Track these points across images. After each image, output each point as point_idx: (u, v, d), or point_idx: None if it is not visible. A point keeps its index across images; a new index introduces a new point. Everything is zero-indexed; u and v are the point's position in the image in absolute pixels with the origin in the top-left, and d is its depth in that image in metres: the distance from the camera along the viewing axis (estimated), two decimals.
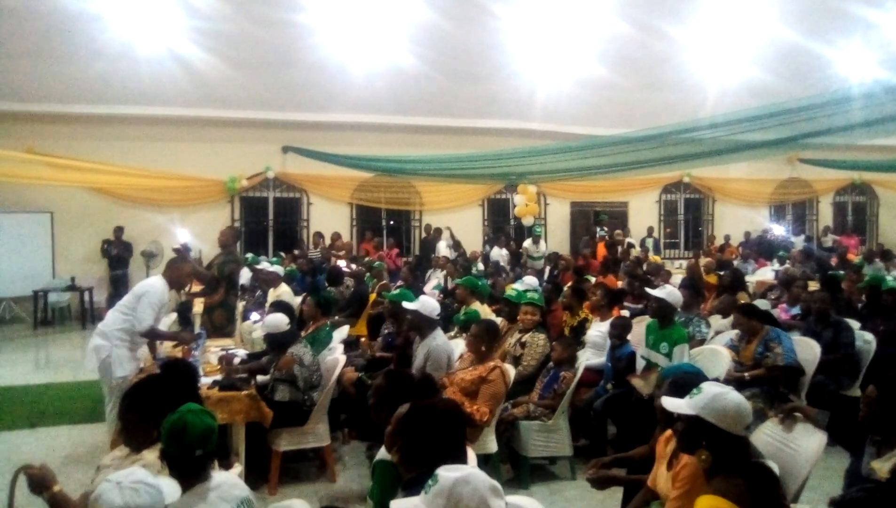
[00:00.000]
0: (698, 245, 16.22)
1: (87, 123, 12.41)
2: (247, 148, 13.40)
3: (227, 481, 2.46)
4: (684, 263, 12.59)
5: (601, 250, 12.61)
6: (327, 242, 13.00)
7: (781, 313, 6.59)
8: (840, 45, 12.24)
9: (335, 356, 5.48)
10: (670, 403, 2.60)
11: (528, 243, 13.41)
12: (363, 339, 7.48)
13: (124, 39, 10.74)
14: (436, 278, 10.47)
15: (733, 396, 2.46)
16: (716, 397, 2.44)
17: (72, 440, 5.96)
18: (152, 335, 5.34)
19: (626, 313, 6.50)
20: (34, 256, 12.26)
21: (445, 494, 1.74)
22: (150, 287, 5.27)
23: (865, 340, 5.69)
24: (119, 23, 10.43)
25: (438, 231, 13.81)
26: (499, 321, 6.23)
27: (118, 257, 12.45)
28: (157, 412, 2.65)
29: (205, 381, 4.84)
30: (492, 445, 4.59)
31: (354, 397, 5.55)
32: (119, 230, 12.56)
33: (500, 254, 12.38)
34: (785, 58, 12.34)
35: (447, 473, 1.79)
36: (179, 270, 5.54)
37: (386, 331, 6.45)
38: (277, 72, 12.24)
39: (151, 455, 2.69)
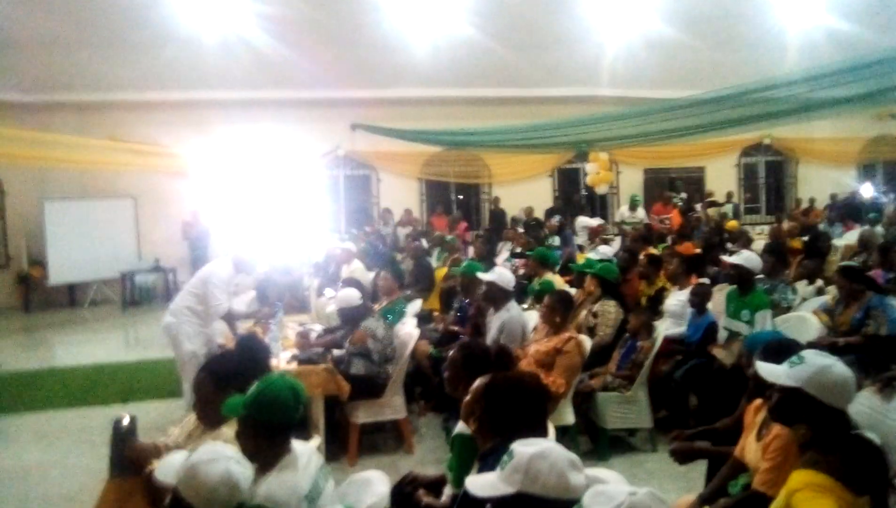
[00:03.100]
0: (781, 209, 15.52)
1: (161, 110, 12.76)
2: (316, 127, 13.54)
3: (306, 451, 2.48)
4: (766, 228, 12.06)
5: (677, 218, 12.21)
6: (397, 218, 13.08)
7: (877, 278, 6.21)
8: None
9: (408, 329, 5.50)
10: (769, 371, 2.44)
11: (623, 210, 13.15)
12: (436, 313, 7.51)
13: (191, 25, 10.97)
14: (507, 251, 10.39)
15: (840, 369, 2.28)
16: (822, 369, 2.27)
17: (160, 413, 6.22)
18: (229, 317, 5.54)
19: (705, 280, 6.27)
20: (120, 240, 12.82)
21: (523, 469, 1.70)
22: (214, 272, 5.44)
23: None
24: (184, 9, 10.66)
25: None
26: (573, 291, 6.12)
27: (198, 239, 12.88)
28: (231, 386, 2.68)
29: (283, 356, 4.96)
30: (569, 417, 4.52)
31: (429, 370, 5.58)
32: (198, 213, 12.97)
33: (585, 223, 12.08)
34: (869, 5, 11.54)
35: (523, 448, 1.74)
36: (246, 254, 5.69)
37: (458, 305, 6.45)
38: (342, 50, 12.27)
39: (229, 430, 2.71)
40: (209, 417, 2.84)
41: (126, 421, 2.80)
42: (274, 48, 11.42)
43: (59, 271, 12.24)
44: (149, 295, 12.91)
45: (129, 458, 2.70)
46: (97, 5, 10.43)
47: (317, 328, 5.80)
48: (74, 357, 8.97)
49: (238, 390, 2.54)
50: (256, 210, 12.63)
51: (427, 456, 4.95)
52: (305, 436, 3.04)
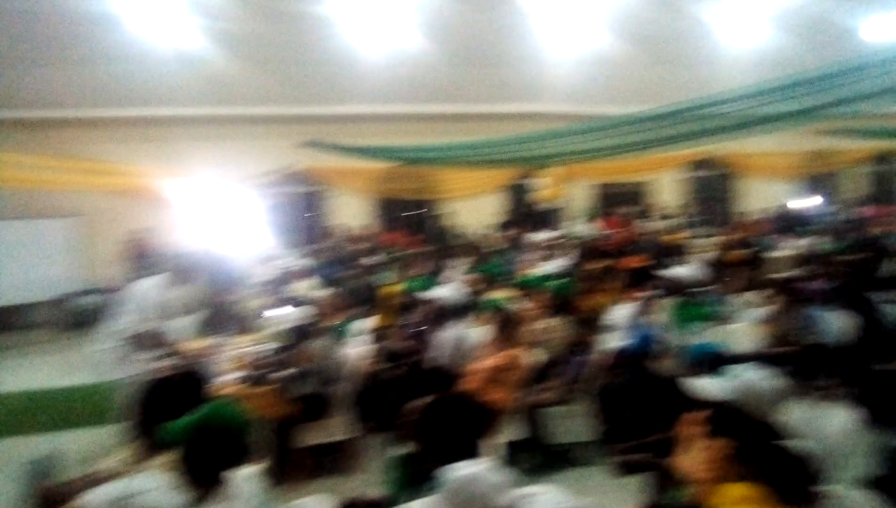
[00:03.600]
0: (723, 222, 15.96)
1: (107, 127, 12.48)
2: (267, 144, 13.42)
3: (247, 478, 2.43)
4: (710, 241, 12.38)
5: (623, 231, 12.45)
6: (349, 234, 13.01)
7: (815, 289, 6.43)
8: (865, 10, 11.92)
9: (357, 347, 5.47)
10: (700, 386, 2.52)
11: (572, 224, 13.36)
12: (388, 330, 7.47)
13: (138, 41, 10.79)
14: (458, 266, 10.42)
15: (767, 382, 2.37)
16: (749, 383, 2.35)
17: (99, 440, 6.02)
18: (150, 339, 5.23)
19: (650, 293, 6.39)
20: (64, 259, 12.42)
21: (454, 492, 1.71)
22: (145, 288, 5.26)
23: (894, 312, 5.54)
24: (132, 24, 10.48)
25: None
26: (526, 306, 6.17)
27: (141, 257, 12.56)
28: (167, 414, 2.60)
29: (229, 377, 4.87)
30: (515, 432, 4.55)
31: (377, 389, 5.54)
32: (141, 232, 12.67)
33: (538, 238, 12.19)
34: (804, 26, 12.02)
35: (456, 473, 1.75)
36: (185, 265, 5.52)
37: (408, 321, 6.43)
38: (292, 66, 12.23)
39: (164, 458, 2.64)
40: (145, 444, 2.76)
41: (40, 461, 2.69)
42: (225, 64, 11.32)
43: (2, 293, 11.79)
44: (91, 318, 12.50)
45: (43, 499, 2.60)
46: (37, 19, 10.16)
47: (265, 349, 5.70)
48: (9, 384, 8.62)
49: (176, 416, 2.47)
50: (206, 228, 12.40)
51: (373, 477, 4.91)
52: (249, 461, 2.98)
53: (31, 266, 12.03)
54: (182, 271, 5.48)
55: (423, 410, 2.47)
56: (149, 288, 5.24)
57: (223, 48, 11.18)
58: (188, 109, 12.59)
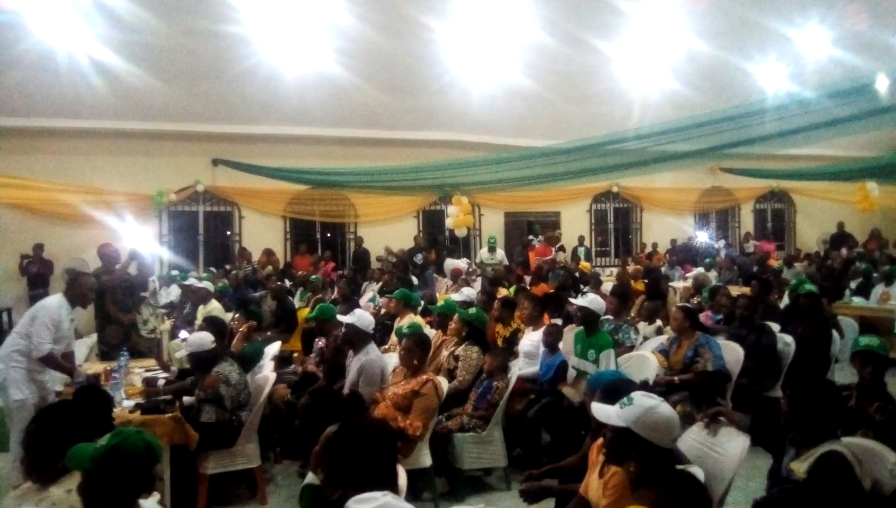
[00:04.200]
0: (627, 253, 16.62)
1: (8, 137, 11.77)
2: (175, 161, 13.01)
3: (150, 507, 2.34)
4: (614, 270, 12.87)
5: (534, 259, 12.76)
6: (256, 256, 12.73)
7: (706, 319, 6.79)
8: (756, 59, 12.81)
9: (265, 373, 5.35)
10: (601, 412, 2.61)
11: (483, 252, 13.57)
12: (296, 354, 7.36)
13: (44, 49, 10.23)
14: (371, 291, 10.39)
15: (663, 409, 2.49)
16: (647, 410, 2.46)
17: None
18: (50, 361, 4.94)
19: (557, 321, 6.57)
20: None
21: None
22: (43, 307, 5.01)
23: (786, 342, 5.91)
24: (39, 31, 9.93)
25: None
26: (433, 332, 6.22)
27: (38, 275, 11.88)
28: (66, 441, 2.47)
29: (127, 404, 4.66)
30: (426, 459, 4.55)
31: (286, 415, 5.43)
32: (39, 248, 11.99)
33: (452, 265, 12.30)
34: (705, 71, 12.81)
35: (363, 503, 1.75)
36: (80, 285, 5.29)
37: (319, 346, 6.35)
38: (206, 83, 11.94)
39: (59, 490, 2.51)
40: (40, 473, 2.61)
41: None
42: (134, 76, 10.90)
43: None
44: None
45: None
46: None
47: (163, 375, 5.48)
48: None
49: (77, 441, 2.35)
50: (110, 246, 11.87)
51: (282, 507, 4.80)
52: (148, 491, 2.86)
53: None
54: (81, 290, 5.23)
55: (332, 437, 2.45)
56: (47, 307, 4.98)
57: (137, 61, 10.77)
58: (97, 122, 12.08)
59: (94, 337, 6.61)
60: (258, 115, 12.80)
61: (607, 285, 9.15)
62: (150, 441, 2.26)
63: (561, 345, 5.57)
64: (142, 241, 10.38)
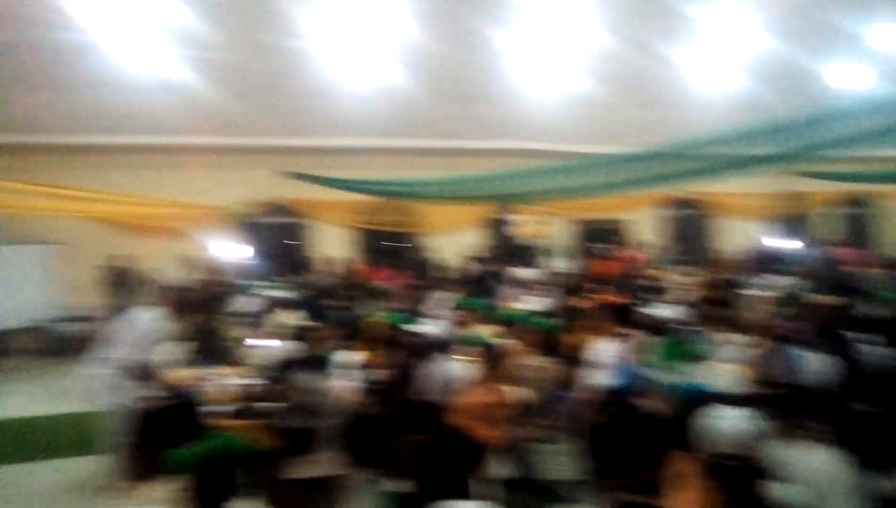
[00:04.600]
0: (698, 260, 16.20)
1: (86, 154, 12.42)
2: (247, 174, 13.44)
3: None
4: (689, 279, 12.56)
5: (605, 268, 12.57)
6: (330, 267, 12.98)
7: (789, 329, 6.55)
8: (831, 57, 12.36)
9: (341, 381, 5.45)
10: (690, 426, 2.58)
11: (550, 260, 13.51)
12: (372, 364, 7.44)
13: (122, 70, 10.78)
14: (440, 301, 10.43)
15: (754, 423, 2.43)
16: (737, 424, 2.41)
17: (84, 469, 5.93)
18: (141, 369, 5.23)
19: (632, 331, 6.46)
20: (42, 286, 12.26)
21: None
22: (134, 317, 5.27)
23: (873, 353, 5.66)
24: (113, 53, 10.47)
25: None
26: (507, 342, 6.20)
27: (123, 285, 12.46)
28: (161, 445, 2.60)
29: (216, 409, 4.82)
30: (503, 469, 4.55)
31: (364, 424, 5.51)
32: (120, 258, 12.57)
33: (518, 274, 12.26)
34: (777, 72, 12.45)
35: None
36: (171, 295, 5.54)
37: (393, 355, 6.42)
38: (275, 98, 12.33)
39: (153, 490, 2.63)
40: (140, 473, 2.75)
41: None
42: (209, 95, 11.36)
43: None
44: (71, 345, 12.30)
45: None
46: (17, 47, 10.11)
47: (251, 380, 5.66)
48: None
49: (171, 446, 2.47)
50: (187, 256, 12.36)
51: None
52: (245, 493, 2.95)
53: (10, 292, 11.86)
54: (170, 301, 5.48)
55: (418, 447, 2.49)
56: (138, 318, 5.23)
57: (207, 78, 11.24)
58: (171, 138, 12.59)
59: (184, 345, 6.87)
60: (327, 127, 13.11)
61: (680, 295, 8.95)
62: (243, 446, 2.35)
63: (637, 356, 5.48)
64: (220, 251, 10.76)
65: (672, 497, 2.99)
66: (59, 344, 12.22)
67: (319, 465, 4.87)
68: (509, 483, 4.61)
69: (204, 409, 4.58)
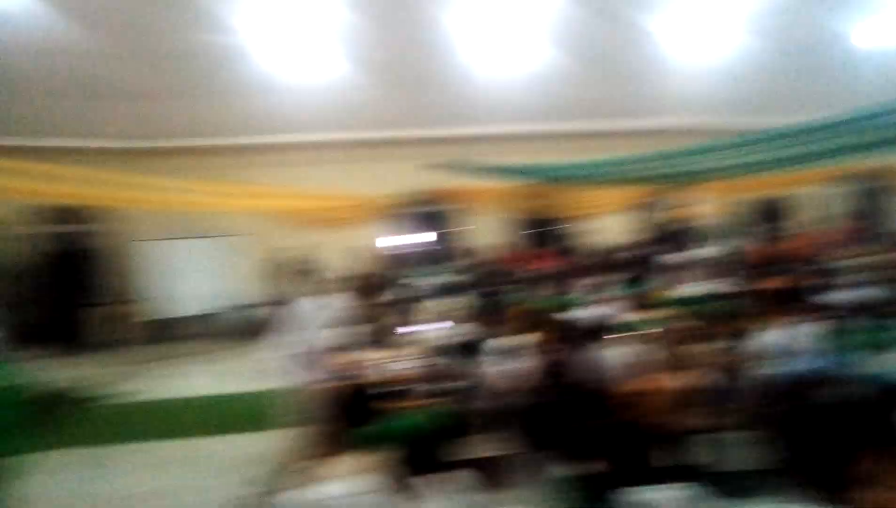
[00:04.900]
0: (879, 239, 14.73)
1: (251, 154, 13.41)
2: (400, 165, 13.85)
3: (440, 483, 2.50)
4: (873, 259, 11.45)
5: (776, 249, 11.78)
6: (484, 254, 13.08)
7: None
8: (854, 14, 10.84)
9: (496, 365, 5.52)
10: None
11: (719, 243, 12.89)
12: (527, 348, 7.46)
13: (280, 71, 11.37)
14: (596, 286, 10.24)
15: None
16: None
17: (259, 445, 6.42)
18: (321, 352, 5.64)
19: (810, 315, 6.02)
20: (218, 276, 13.40)
21: None
22: (321, 308, 5.59)
23: None
24: (269, 57, 11.04)
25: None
26: (671, 328, 6.00)
27: (290, 275, 13.33)
28: (349, 421, 2.77)
29: (386, 391, 5.05)
30: (688, 457, 4.39)
31: (533, 407, 5.55)
32: (289, 250, 13.44)
33: (679, 258, 11.79)
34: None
35: (645, 495, 1.75)
36: (338, 285, 5.83)
37: (549, 341, 6.40)
38: (425, 89, 12.58)
39: (343, 463, 2.78)
40: (330, 449, 2.94)
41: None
42: (359, 88, 11.79)
43: (163, 307, 12.94)
44: (251, 330, 13.34)
45: None
46: (188, 56, 10.91)
47: (411, 364, 5.88)
48: (187, 389, 9.41)
49: (358, 424, 2.62)
50: (353, 246, 13.07)
51: (534, 496, 4.91)
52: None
53: (189, 282, 13.03)
54: (337, 288, 5.80)
55: (600, 432, 2.48)
56: (307, 304, 5.57)
57: (358, 75, 11.64)
58: (325, 135, 13.28)
59: (350, 330, 7.25)
60: (477, 115, 13.22)
61: (863, 276, 8.21)
62: (436, 423, 2.45)
63: (820, 342, 5.11)
64: (381, 241, 11.20)
65: (866, 494, 2.78)
66: (233, 330, 13.29)
67: (487, 447, 4.96)
68: (685, 472, 4.47)
69: (375, 390, 4.82)
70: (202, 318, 13.45)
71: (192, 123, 12.73)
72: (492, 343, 6.25)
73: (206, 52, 10.57)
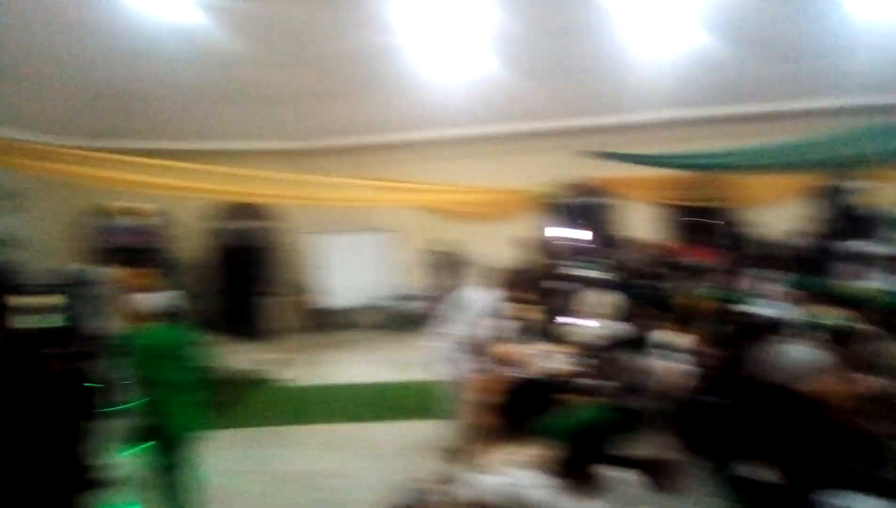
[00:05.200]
0: None
1: (407, 149, 13.80)
2: (552, 157, 13.75)
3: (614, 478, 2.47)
4: None
5: None
6: (641, 245, 12.68)
7: None
8: None
9: (666, 362, 5.33)
10: None
11: None
12: (695, 344, 7.16)
13: (431, 67, 11.56)
14: (765, 279, 9.61)
15: None
16: None
17: (428, 432, 6.66)
18: (475, 344, 5.70)
19: None
20: (380, 268, 14.02)
21: None
22: (480, 300, 5.66)
23: None
24: (424, 53, 11.21)
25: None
26: (856, 325, 5.52)
27: (445, 267, 13.71)
28: (515, 412, 2.80)
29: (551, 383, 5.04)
30: (882, 467, 4.05)
31: (696, 406, 5.33)
32: (444, 243, 13.80)
33: (863, 249, 10.81)
34: None
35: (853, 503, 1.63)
36: (513, 283, 5.89)
37: (719, 337, 6.09)
38: (575, 78, 12.36)
39: (520, 453, 2.81)
40: (489, 437, 2.98)
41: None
42: (509, 80, 11.78)
43: (330, 297, 13.79)
44: (410, 321, 13.85)
45: None
46: (344, 58, 11.38)
47: (574, 358, 5.83)
48: (346, 376, 9.93)
49: (530, 415, 2.63)
50: (512, 238, 13.21)
51: (704, 499, 4.73)
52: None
53: (354, 274, 13.69)
54: (498, 281, 5.86)
55: (789, 435, 2.33)
56: (469, 296, 5.67)
57: (508, 67, 11.59)
58: (478, 128, 13.40)
59: (512, 322, 7.31)
60: (627, 104, 12.80)
61: None
62: (607, 417, 2.42)
63: None
64: (538, 233, 11.16)
65: None
66: (396, 320, 13.82)
67: (645, 445, 4.82)
68: (879, 483, 4.11)
69: (538, 383, 4.82)
70: (364, 309, 14.10)
71: (349, 123, 13.33)
72: (659, 337, 6.04)
73: (362, 53, 11.00)
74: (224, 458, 5.79)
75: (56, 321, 7.55)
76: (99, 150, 10.79)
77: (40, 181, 11.77)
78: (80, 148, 10.92)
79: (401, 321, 13.81)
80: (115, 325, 8.71)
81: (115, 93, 11.30)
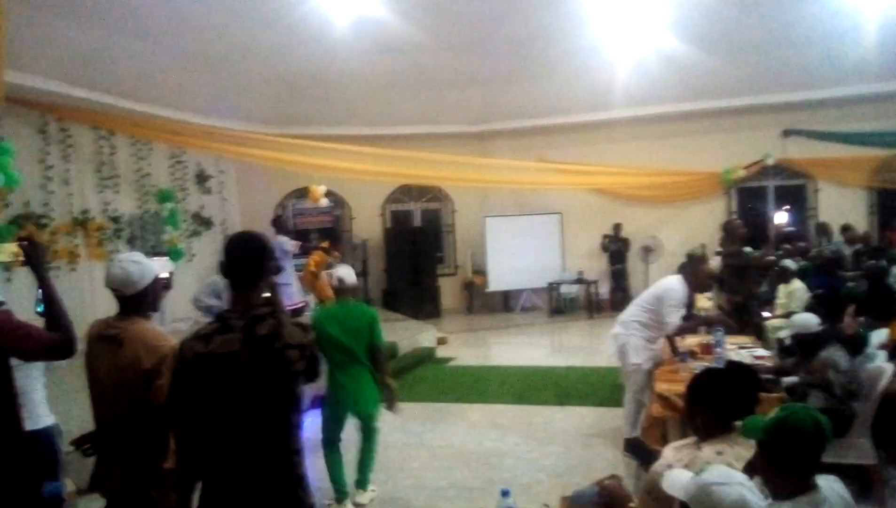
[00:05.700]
0: None
1: (585, 130, 13.40)
2: (742, 136, 12.79)
3: (833, 491, 2.24)
4: None
5: None
6: (845, 232, 11.47)
7: None
8: None
9: (878, 363, 4.76)
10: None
11: None
12: None
13: (610, 48, 11.02)
14: None
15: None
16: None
17: (595, 419, 6.52)
18: (679, 332, 5.51)
19: None
20: (547, 252, 13.87)
21: None
22: (670, 289, 5.37)
23: None
24: (604, 32, 10.67)
25: None
26: None
27: (617, 252, 13.31)
28: (720, 406, 2.67)
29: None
30: None
31: None
32: (617, 227, 13.37)
33: None
34: None
35: None
36: (699, 272, 5.57)
37: None
38: (768, 53, 11.29)
39: (709, 450, 2.65)
40: (698, 433, 2.83)
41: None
42: (693, 59, 11.01)
43: (496, 279, 13.85)
44: (572, 305, 13.67)
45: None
46: (520, 41, 11.19)
47: (761, 352, 5.42)
48: (511, 358, 9.96)
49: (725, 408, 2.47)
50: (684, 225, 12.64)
51: None
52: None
53: (525, 257, 13.75)
54: (700, 277, 5.57)
55: None
56: (672, 289, 5.39)
57: (692, 43, 10.81)
58: (659, 108, 12.70)
59: (700, 312, 6.93)
60: (828, 78, 11.54)
61: None
62: (819, 419, 2.18)
63: None
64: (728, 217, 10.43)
65: None
66: (566, 304, 13.65)
67: (851, 451, 4.36)
68: None
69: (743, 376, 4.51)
70: (538, 291, 14.04)
71: (530, 105, 13.20)
72: (880, 337, 5.42)
73: (543, 35, 10.77)
74: (391, 432, 5.95)
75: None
76: (292, 136, 11.66)
77: (243, 165, 12.90)
78: (277, 135, 11.87)
79: (565, 305, 13.62)
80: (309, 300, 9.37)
81: (307, 83, 12.02)
